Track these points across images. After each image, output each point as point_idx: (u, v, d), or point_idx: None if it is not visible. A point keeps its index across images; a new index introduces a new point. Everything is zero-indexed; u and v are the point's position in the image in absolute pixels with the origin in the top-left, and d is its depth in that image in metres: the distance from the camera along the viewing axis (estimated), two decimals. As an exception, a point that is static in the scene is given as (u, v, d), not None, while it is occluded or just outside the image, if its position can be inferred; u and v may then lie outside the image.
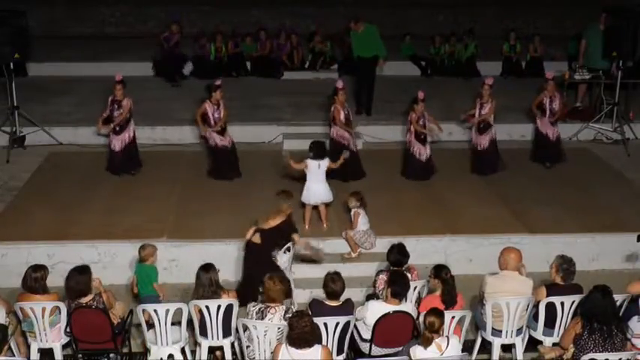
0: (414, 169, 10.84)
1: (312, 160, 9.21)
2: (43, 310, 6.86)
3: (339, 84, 10.66)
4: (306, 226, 9.18)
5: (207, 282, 7.01)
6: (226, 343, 7.08)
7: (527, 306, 7.13)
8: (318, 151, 9.32)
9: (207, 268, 7.09)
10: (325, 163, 9.21)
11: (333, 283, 6.83)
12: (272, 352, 6.32)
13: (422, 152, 10.77)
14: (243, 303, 7.17)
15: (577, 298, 7.04)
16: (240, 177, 10.80)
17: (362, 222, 8.85)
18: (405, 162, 11.00)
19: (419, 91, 10.69)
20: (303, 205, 9.26)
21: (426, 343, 6.22)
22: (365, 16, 13.49)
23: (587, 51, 13.51)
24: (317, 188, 9.20)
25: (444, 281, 7.07)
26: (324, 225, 9.29)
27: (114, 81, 10.58)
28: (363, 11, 13.89)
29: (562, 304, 7.09)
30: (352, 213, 8.89)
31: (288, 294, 7.09)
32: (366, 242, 8.90)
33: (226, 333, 7.05)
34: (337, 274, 6.98)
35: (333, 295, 6.84)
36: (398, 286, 6.89)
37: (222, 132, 10.65)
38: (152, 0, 19.33)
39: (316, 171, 9.18)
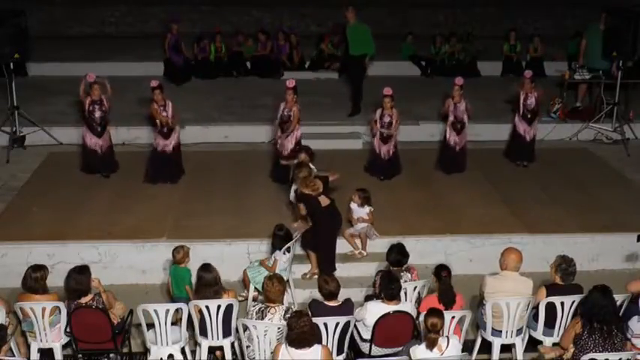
0: (377, 166, 10.87)
1: None
2: (43, 310, 6.86)
3: (289, 83, 10.42)
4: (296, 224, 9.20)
5: (212, 281, 7.03)
6: (226, 343, 7.08)
7: (527, 306, 7.13)
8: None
9: (209, 268, 7.10)
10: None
11: (327, 284, 6.85)
12: (272, 352, 6.32)
13: (384, 150, 10.77)
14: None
15: (577, 298, 7.04)
16: (174, 182, 10.54)
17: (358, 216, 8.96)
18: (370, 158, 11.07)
19: (385, 87, 10.67)
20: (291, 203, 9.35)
21: (432, 344, 6.21)
22: (365, 16, 13.49)
23: (587, 51, 13.50)
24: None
25: (440, 281, 7.09)
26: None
27: (90, 82, 10.42)
28: (364, 11, 13.87)
29: (562, 304, 7.09)
30: (368, 211, 8.91)
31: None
32: (373, 235, 8.98)
33: (226, 333, 7.05)
34: (328, 274, 7.00)
35: (330, 295, 6.84)
36: (389, 289, 6.88)
37: (167, 135, 10.42)
38: (152, 0, 19.34)
39: None
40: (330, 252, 8.58)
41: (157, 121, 10.35)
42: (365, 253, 8.95)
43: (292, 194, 9.24)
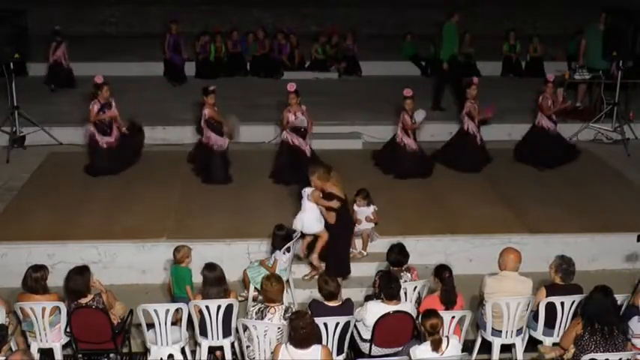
0: (407, 167, 10.86)
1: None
2: (43, 310, 6.86)
3: (289, 87, 10.38)
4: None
5: (217, 280, 7.05)
6: (226, 343, 7.08)
7: (527, 306, 7.13)
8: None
9: (214, 267, 7.13)
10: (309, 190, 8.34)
11: (327, 285, 6.84)
12: (272, 352, 6.33)
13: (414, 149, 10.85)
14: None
15: (577, 298, 7.04)
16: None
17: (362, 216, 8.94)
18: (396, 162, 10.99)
19: (405, 89, 10.72)
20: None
21: (437, 345, 6.18)
22: (366, 16, 13.48)
23: (587, 51, 13.50)
24: (305, 217, 8.33)
25: (442, 281, 7.08)
26: None
27: (98, 84, 10.47)
28: (364, 11, 13.90)
29: (562, 304, 7.09)
30: (372, 211, 8.90)
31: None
32: (375, 236, 8.99)
33: (226, 333, 7.05)
34: (328, 275, 7.00)
35: (330, 296, 6.84)
36: (389, 289, 6.88)
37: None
38: (152, 0, 19.35)
39: (304, 201, 8.36)
40: (344, 254, 8.49)
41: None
42: (365, 253, 8.95)
43: (298, 223, 8.32)
